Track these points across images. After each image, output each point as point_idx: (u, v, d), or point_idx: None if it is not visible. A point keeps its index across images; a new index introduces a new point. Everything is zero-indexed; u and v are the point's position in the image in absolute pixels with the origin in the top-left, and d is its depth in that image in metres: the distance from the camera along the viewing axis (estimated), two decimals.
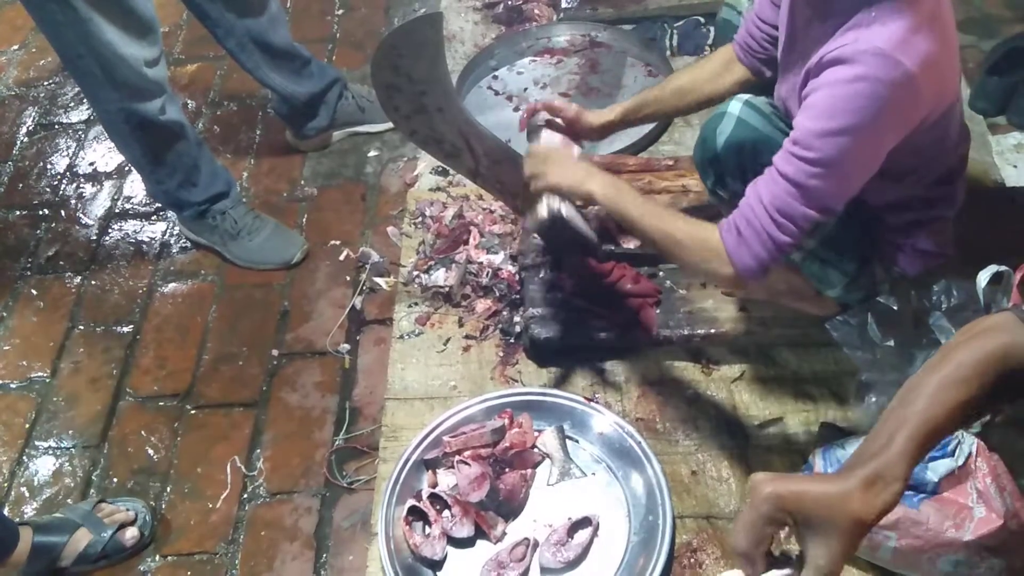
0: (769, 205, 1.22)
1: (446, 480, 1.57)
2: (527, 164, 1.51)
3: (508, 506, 1.53)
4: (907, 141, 1.25)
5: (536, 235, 1.85)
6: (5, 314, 2.07)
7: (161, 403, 1.85)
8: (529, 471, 1.58)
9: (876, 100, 1.12)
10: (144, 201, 2.29)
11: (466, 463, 1.54)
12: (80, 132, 2.52)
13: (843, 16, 1.17)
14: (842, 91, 1.13)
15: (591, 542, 1.49)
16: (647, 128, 2.16)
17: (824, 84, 1.16)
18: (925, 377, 0.82)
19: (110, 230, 2.24)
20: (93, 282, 2.11)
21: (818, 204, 1.20)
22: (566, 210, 1.47)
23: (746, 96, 1.46)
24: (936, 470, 1.31)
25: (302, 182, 2.29)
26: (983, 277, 1.30)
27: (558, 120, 1.61)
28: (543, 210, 1.46)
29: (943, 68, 1.18)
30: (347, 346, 1.90)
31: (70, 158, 2.45)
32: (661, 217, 1.36)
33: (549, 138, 1.59)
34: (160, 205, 2.23)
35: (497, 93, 2.39)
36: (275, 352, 1.91)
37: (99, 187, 2.35)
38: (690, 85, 1.61)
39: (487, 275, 1.90)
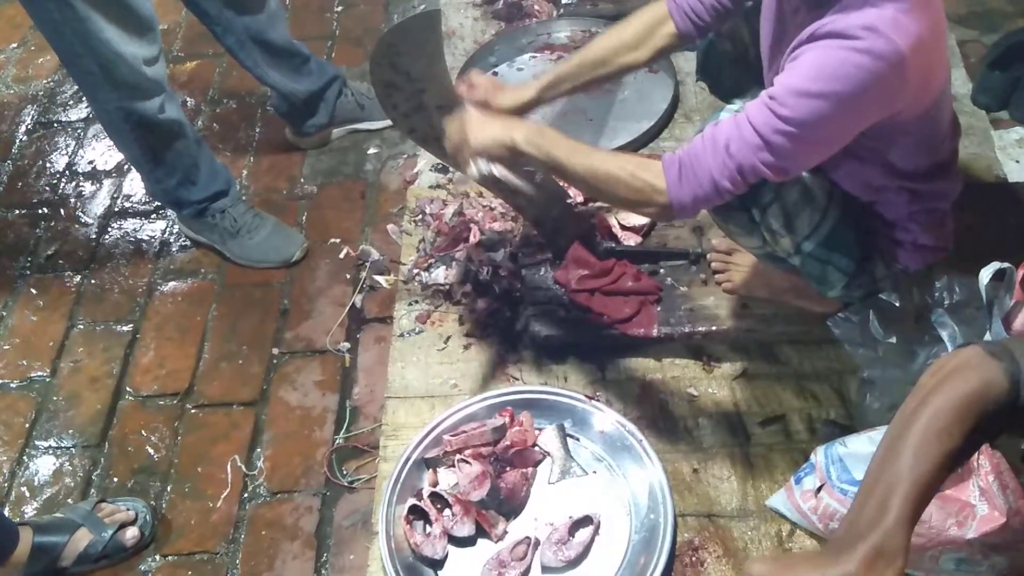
0: (724, 147, 1.20)
1: (447, 479, 1.57)
2: (447, 141, 1.44)
3: (509, 505, 1.52)
4: (902, 131, 1.25)
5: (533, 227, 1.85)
6: (5, 313, 2.07)
7: (161, 402, 1.85)
8: (530, 469, 1.57)
9: (863, 72, 1.11)
10: (143, 200, 2.29)
11: (467, 462, 1.54)
12: (79, 130, 2.52)
13: (832, 3, 1.16)
14: (832, 56, 1.12)
15: (592, 541, 1.49)
16: (648, 124, 2.15)
17: (814, 48, 1.14)
18: (907, 429, 0.81)
19: (110, 229, 2.23)
20: (93, 281, 2.11)
21: (774, 162, 1.18)
22: (497, 170, 1.39)
23: (741, 101, 1.45)
24: None
25: (302, 180, 2.28)
26: (985, 274, 1.29)
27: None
28: (474, 171, 1.40)
29: (931, 53, 1.17)
30: (347, 344, 1.89)
31: (69, 157, 2.44)
32: (590, 155, 1.32)
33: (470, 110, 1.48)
34: (159, 204, 2.22)
35: None
36: (275, 351, 1.91)
37: (98, 186, 2.35)
38: (610, 55, 1.53)
39: (487, 273, 1.89)
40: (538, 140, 1.34)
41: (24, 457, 1.79)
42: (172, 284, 2.08)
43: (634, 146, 2.13)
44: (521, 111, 1.57)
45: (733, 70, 2.15)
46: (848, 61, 1.11)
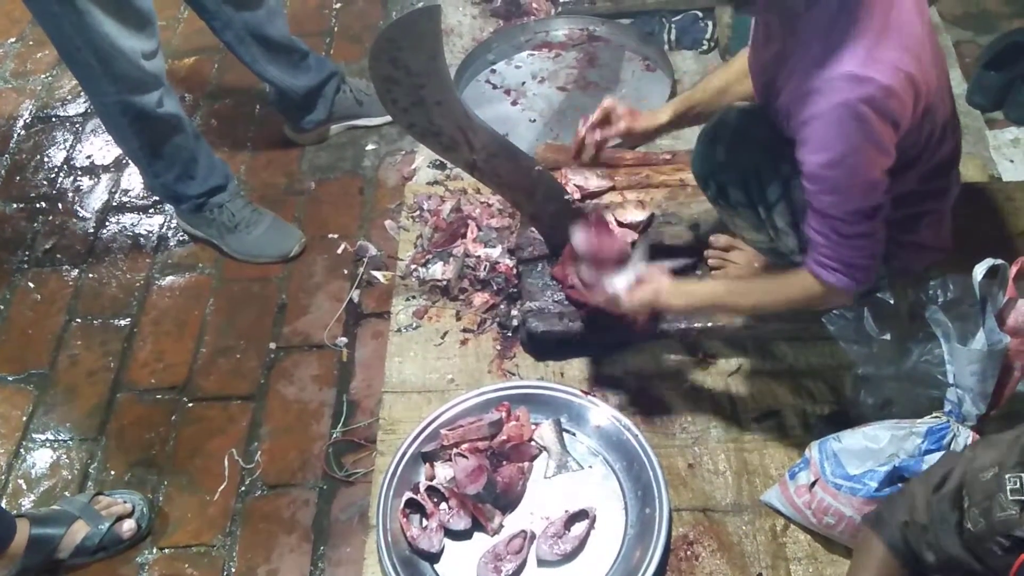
0: (834, 236, 1.28)
1: (443, 473, 1.57)
2: (628, 304, 1.50)
3: (505, 499, 1.53)
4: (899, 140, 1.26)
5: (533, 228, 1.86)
6: (2, 307, 2.07)
7: (158, 396, 1.85)
8: (526, 464, 1.58)
9: (861, 120, 1.17)
10: (141, 194, 2.29)
11: (464, 456, 1.54)
12: (77, 125, 2.52)
13: (801, 41, 1.22)
14: (827, 121, 1.18)
15: (588, 535, 1.49)
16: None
17: (811, 117, 1.20)
18: None
19: (107, 223, 2.24)
20: (90, 275, 2.11)
21: (864, 214, 1.26)
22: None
23: (740, 104, 1.47)
24: (931, 463, 1.31)
25: (300, 175, 2.29)
26: (979, 271, 1.30)
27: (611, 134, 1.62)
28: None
29: (913, 70, 1.21)
30: (345, 339, 1.90)
31: (67, 151, 2.44)
32: (744, 295, 1.48)
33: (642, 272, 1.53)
34: (157, 198, 2.22)
35: (495, 87, 2.39)
36: (272, 345, 1.91)
37: (96, 180, 2.35)
38: (725, 85, 1.62)
39: (485, 268, 1.90)
40: (682, 301, 1.48)
41: (21, 450, 1.79)
42: (170, 278, 2.09)
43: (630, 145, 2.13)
44: (655, 135, 1.66)
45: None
46: (844, 119, 1.17)
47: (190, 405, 1.83)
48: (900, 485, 1.33)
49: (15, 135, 2.50)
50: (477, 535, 1.52)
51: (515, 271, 1.87)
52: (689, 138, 1.57)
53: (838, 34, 1.17)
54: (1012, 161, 2.06)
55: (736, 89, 1.61)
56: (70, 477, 1.74)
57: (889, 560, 1.10)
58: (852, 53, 1.15)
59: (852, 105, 1.15)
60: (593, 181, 1.96)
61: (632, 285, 1.48)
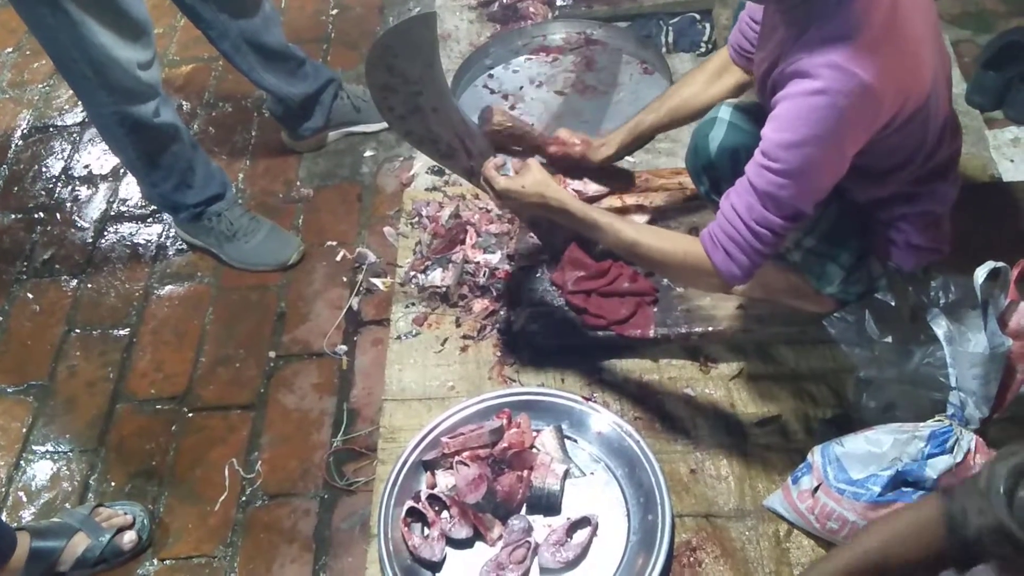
0: (746, 217, 1.27)
1: (445, 481, 1.57)
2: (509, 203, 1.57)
3: (505, 507, 1.52)
4: (881, 143, 1.27)
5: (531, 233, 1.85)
6: (1, 318, 2.06)
7: (158, 406, 1.85)
8: (527, 471, 1.57)
9: (835, 111, 1.16)
10: (139, 204, 2.29)
11: (465, 464, 1.54)
12: (75, 135, 2.52)
13: (798, 28, 1.22)
14: (802, 103, 1.18)
15: (590, 542, 1.49)
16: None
17: (786, 96, 1.20)
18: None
19: (106, 233, 2.23)
20: (89, 285, 2.11)
21: (790, 211, 1.26)
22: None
23: (735, 100, 1.48)
24: (935, 467, 1.31)
25: (298, 183, 2.28)
26: (980, 273, 1.30)
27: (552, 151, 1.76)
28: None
29: (903, 74, 1.21)
30: (344, 347, 1.89)
31: (65, 161, 2.44)
32: (639, 228, 1.44)
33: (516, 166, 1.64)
34: (155, 208, 2.22)
35: (493, 92, 2.38)
36: (272, 354, 1.91)
37: (94, 190, 2.35)
38: (681, 103, 1.67)
39: (484, 275, 1.89)
40: (568, 203, 1.47)
41: (21, 462, 1.79)
42: (169, 288, 2.08)
43: None
44: (613, 159, 1.78)
45: None
46: (819, 106, 1.17)
47: (190, 415, 1.83)
48: (903, 489, 1.32)
49: (12, 145, 2.50)
50: (479, 544, 1.51)
51: (514, 277, 1.87)
52: (688, 141, 1.57)
53: (834, 25, 1.17)
54: (1012, 161, 2.06)
55: (695, 104, 1.65)
56: (70, 489, 1.74)
57: (936, 526, 1.06)
58: (843, 45, 1.15)
59: (830, 94, 1.15)
60: (592, 186, 1.95)
61: (515, 171, 1.51)
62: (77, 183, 2.37)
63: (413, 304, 1.91)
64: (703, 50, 2.40)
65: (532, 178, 1.48)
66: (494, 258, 1.91)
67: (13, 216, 2.31)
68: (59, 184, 2.37)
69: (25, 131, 2.54)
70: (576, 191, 1.94)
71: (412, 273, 1.95)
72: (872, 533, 1.13)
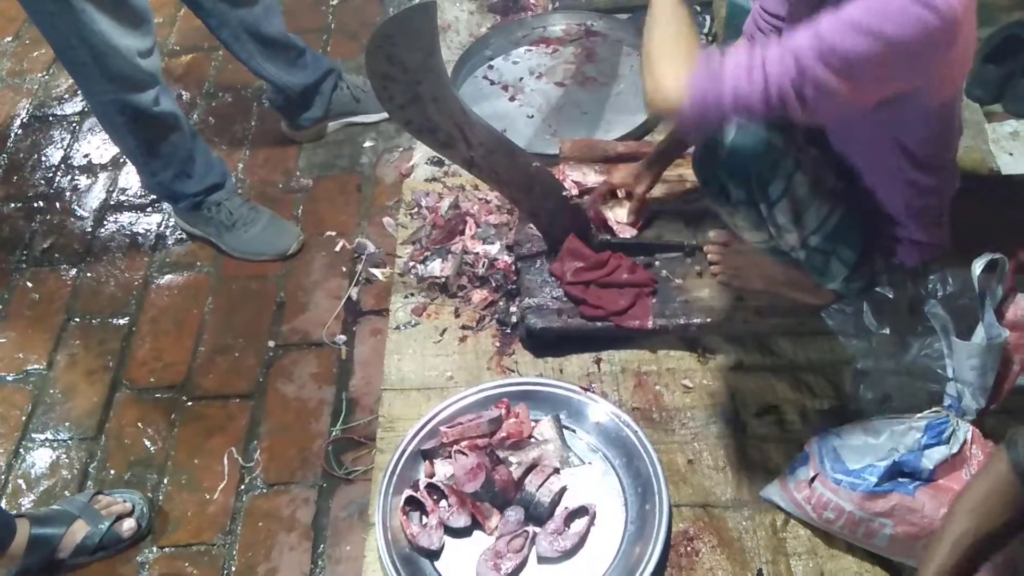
0: (760, 63, 1.13)
1: (443, 470, 1.57)
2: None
3: (503, 497, 1.53)
4: (923, 118, 1.24)
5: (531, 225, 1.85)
6: (1, 307, 2.06)
7: (157, 395, 1.85)
8: (526, 470, 1.57)
9: (921, 24, 1.06)
10: (139, 193, 2.29)
11: (463, 453, 1.54)
12: (74, 124, 2.51)
13: None
14: (895, 3, 1.07)
15: (588, 531, 1.49)
16: (643, 117, 2.16)
17: None
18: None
19: (105, 222, 2.23)
20: (89, 274, 2.11)
21: (806, 92, 1.12)
22: None
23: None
24: (931, 457, 1.31)
25: (297, 173, 2.28)
26: (978, 265, 1.30)
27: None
28: None
29: (972, 29, 1.15)
30: (343, 337, 1.90)
31: (64, 150, 2.44)
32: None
33: None
34: (155, 197, 2.22)
35: (492, 83, 2.38)
36: (271, 343, 1.91)
37: (94, 179, 2.35)
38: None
39: (483, 265, 1.89)
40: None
41: (21, 449, 1.79)
42: (168, 277, 2.08)
43: (630, 139, 2.13)
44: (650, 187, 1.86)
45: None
46: (909, 10, 1.06)
47: (189, 404, 1.83)
48: (900, 480, 1.33)
49: (12, 134, 2.50)
50: (477, 533, 1.52)
51: (514, 267, 1.87)
52: None
53: None
54: (1011, 154, 2.06)
55: None
56: (69, 476, 1.74)
57: (1010, 478, 1.02)
58: None
59: (923, 6, 1.05)
60: (591, 177, 1.96)
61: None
62: (77, 172, 2.37)
63: (412, 294, 1.91)
64: (703, 42, 2.39)
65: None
66: (493, 249, 1.91)
67: (13, 205, 2.31)
68: (59, 173, 2.37)
69: (25, 120, 2.54)
70: (575, 182, 1.95)
71: (411, 263, 1.95)
72: (956, 519, 1.06)
